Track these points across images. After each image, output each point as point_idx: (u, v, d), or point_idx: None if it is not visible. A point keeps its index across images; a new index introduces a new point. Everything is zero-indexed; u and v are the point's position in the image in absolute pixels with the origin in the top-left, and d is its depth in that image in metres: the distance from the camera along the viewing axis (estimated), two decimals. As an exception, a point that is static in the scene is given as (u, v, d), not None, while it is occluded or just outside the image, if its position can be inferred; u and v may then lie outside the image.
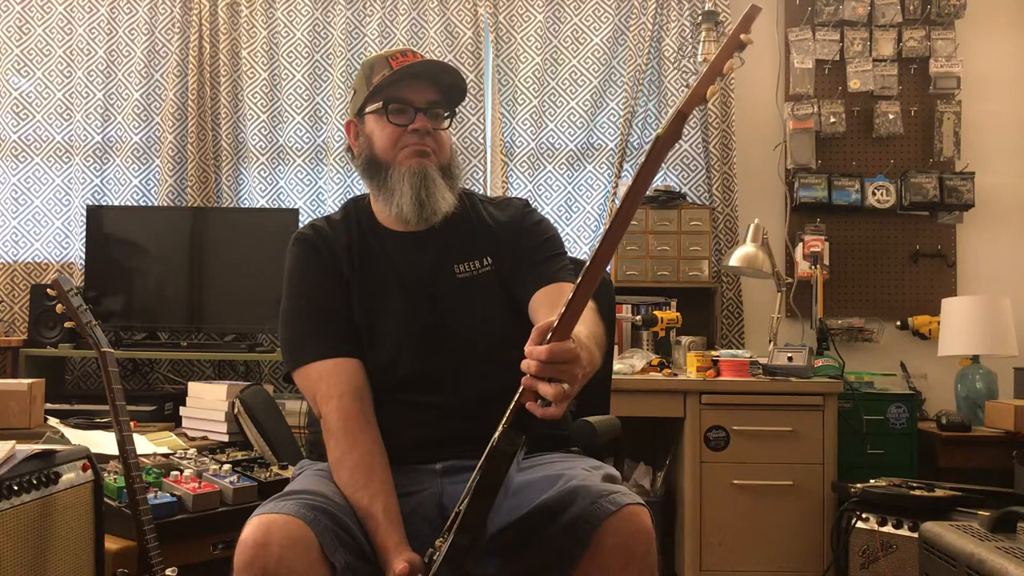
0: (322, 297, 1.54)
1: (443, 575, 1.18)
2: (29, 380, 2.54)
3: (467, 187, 1.68)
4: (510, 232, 1.61)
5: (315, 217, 1.69)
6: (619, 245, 3.30)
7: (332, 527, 1.27)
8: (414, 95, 1.54)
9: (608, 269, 3.45)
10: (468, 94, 1.64)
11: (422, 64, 1.56)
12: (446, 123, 1.59)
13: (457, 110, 1.63)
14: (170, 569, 1.76)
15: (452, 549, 1.17)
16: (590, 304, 1.31)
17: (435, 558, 1.22)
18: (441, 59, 3.59)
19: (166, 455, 2.32)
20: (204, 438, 2.69)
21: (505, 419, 1.15)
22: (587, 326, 1.28)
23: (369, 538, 1.34)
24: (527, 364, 1.10)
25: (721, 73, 0.96)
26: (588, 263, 1.05)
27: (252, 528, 1.23)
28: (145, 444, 2.41)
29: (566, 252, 1.65)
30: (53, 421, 2.55)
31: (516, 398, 1.13)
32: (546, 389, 1.08)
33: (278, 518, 1.23)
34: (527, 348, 1.10)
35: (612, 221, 1.04)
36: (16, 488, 1.58)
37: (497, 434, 1.13)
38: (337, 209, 1.67)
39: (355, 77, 1.62)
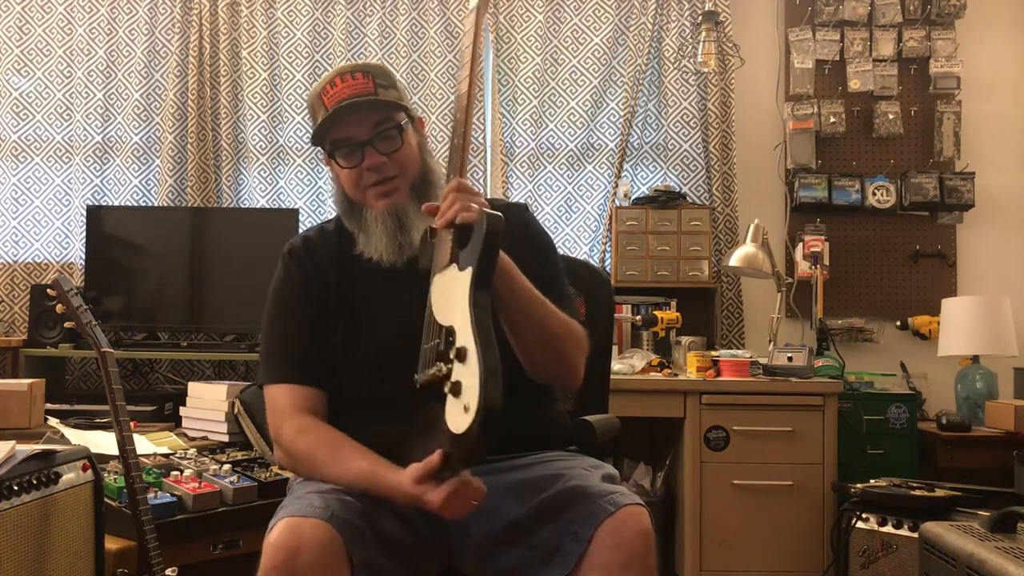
0: (298, 321, 1.52)
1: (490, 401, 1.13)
2: (29, 380, 2.54)
3: None
4: (507, 243, 1.57)
5: (316, 220, 1.66)
6: (619, 243, 3.31)
7: (351, 520, 1.27)
8: (354, 130, 1.47)
9: (608, 269, 3.46)
10: (404, 94, 1.56)
11: (348, 101, 1.45)
12: (398, 139, 1.49)
13: (414, 115, 1.54)
14: (170, 569, 1.76)
15: (486, 371, 1.14)
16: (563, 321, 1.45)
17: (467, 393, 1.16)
18: (440, 59, 3.58)
19: (166, 455, 2.32)
20: (204, 438, 2.68)
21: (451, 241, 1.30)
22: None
23: (383, 493, 1.31)
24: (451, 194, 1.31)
25: None
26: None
27: (281, 531, 1.23)
28: (145, 444, 2.41)
29: (559, 262, 1.62)
30: (53, 421, 2.55)
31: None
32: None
33: (306, 522, 1.23)
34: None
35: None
36: (16, 488, 1.58)
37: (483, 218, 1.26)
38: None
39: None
